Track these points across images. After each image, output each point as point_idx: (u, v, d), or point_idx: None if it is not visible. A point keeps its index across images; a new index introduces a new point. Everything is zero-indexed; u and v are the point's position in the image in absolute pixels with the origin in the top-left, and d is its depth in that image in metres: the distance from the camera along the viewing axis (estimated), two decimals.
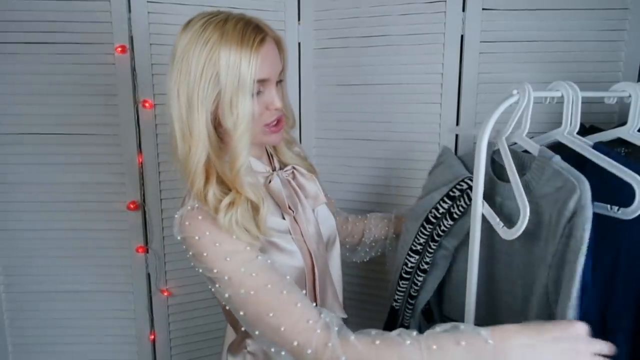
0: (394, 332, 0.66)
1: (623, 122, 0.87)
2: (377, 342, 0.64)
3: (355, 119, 1.42)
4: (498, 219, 0.77)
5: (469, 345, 0.60)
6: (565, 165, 0.73)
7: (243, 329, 0.77)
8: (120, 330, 1.48)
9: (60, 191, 1.38)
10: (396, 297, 1.03)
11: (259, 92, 0.75)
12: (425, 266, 0.98)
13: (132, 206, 1.38)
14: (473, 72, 1.27)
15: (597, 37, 1.20)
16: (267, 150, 0.91)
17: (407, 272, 1.00)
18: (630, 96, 0.84)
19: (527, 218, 0.70)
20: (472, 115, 1.29)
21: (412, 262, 0.99)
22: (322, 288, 0.87)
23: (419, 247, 0.97)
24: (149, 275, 1.45)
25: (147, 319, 1.47)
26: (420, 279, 0.99)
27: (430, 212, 0.95)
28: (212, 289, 0.77)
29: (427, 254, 0.97)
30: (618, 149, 0.88)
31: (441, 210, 0.94)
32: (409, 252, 0.99)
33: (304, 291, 0.81)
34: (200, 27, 0.71)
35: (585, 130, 0.96)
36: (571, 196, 0.68)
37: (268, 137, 0.80)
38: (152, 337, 1.49)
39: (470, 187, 0.90)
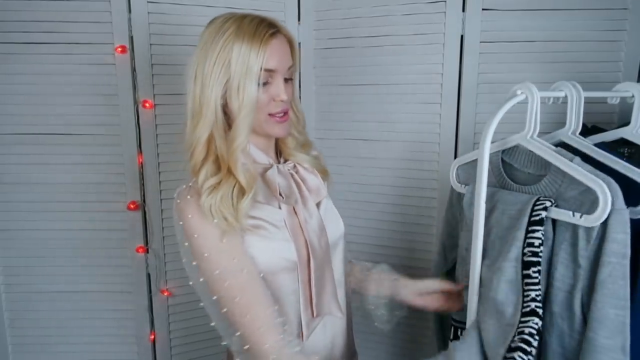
0: None
1: (625, 123, 0.87)
2: None
3: (355, 119, 1.42)
4: (571, 213, 0.71)
5: None
6: (588, 167, 0.72)
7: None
8: (120, 330, 1.48)
9: (60, 191, 1.38)
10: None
11: (266, 83, 0.80)
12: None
13: (132, 206, 1.38)
14: (473, 72, 1.27)
15: (597, 37, 1.20)
16: (276, 148, 0.93)
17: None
18: (633, 96, 0.83)
19: (610, 200, 0.66)
20: (471, 115, 1.29)
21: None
22: (320, 283, 0.87)
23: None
24: (149, 275, 1.45)
25: (147, 319, 1.47)
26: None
27: (525, 254, 0.77)
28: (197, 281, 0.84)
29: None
30: (621, 149, 0.88)
31: (536, 243, 0.76)
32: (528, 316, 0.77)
33: (297, 283, 0.84)
34: (221, 22, 0.79)
35: (587, 130, 0.96)
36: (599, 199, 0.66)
37: (272, 127, 0.84)
38: (152, 337, 1.49)
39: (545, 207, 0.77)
